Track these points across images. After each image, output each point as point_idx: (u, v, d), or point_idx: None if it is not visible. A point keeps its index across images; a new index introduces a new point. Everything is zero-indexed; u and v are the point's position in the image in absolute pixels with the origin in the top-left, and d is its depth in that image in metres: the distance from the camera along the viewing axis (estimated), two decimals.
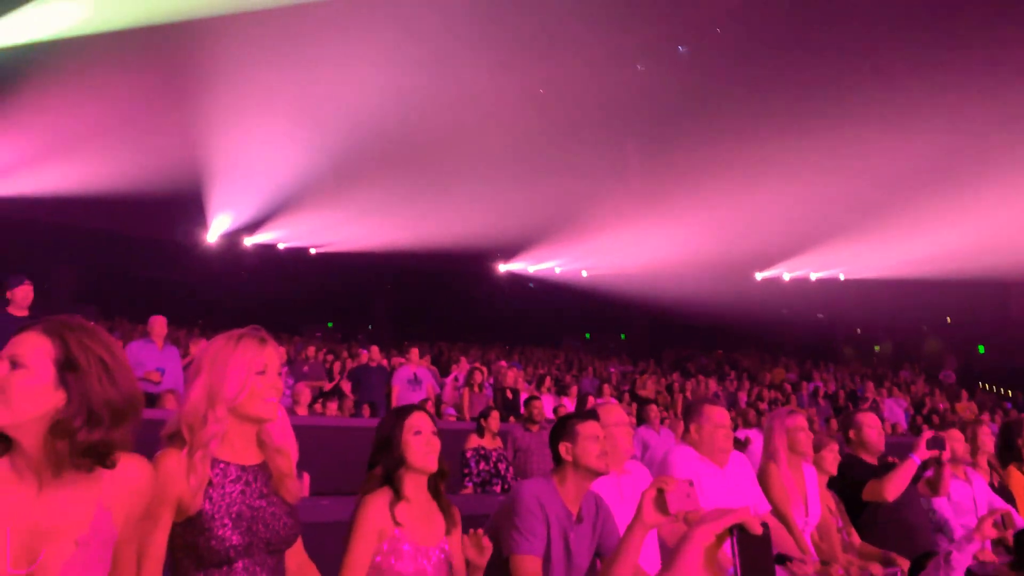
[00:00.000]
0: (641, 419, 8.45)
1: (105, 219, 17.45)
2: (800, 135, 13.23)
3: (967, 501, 4.43)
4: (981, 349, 23.53)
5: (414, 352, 10.51)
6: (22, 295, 6.21)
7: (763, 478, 3.78)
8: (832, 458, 4.06)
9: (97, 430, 1.54)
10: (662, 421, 8.81)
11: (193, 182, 15.58)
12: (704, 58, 13.23)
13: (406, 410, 2.57)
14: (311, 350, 12.48)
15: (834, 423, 11.23)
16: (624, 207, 16.68)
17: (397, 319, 22.81)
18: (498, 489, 6.77)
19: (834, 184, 14.97)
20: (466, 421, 8.88)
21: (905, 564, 3.59)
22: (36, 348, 1.53)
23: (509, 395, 9.81)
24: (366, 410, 9.43)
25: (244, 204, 16.99)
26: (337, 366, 11.51)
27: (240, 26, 11.93)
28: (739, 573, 1.25)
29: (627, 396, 11.62)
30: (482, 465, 6.89)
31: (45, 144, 13.79)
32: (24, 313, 6.15)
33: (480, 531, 2.42)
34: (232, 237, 18.38)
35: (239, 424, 2.00)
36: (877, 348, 26.02)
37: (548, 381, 11.01)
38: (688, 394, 12.70)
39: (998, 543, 3.50)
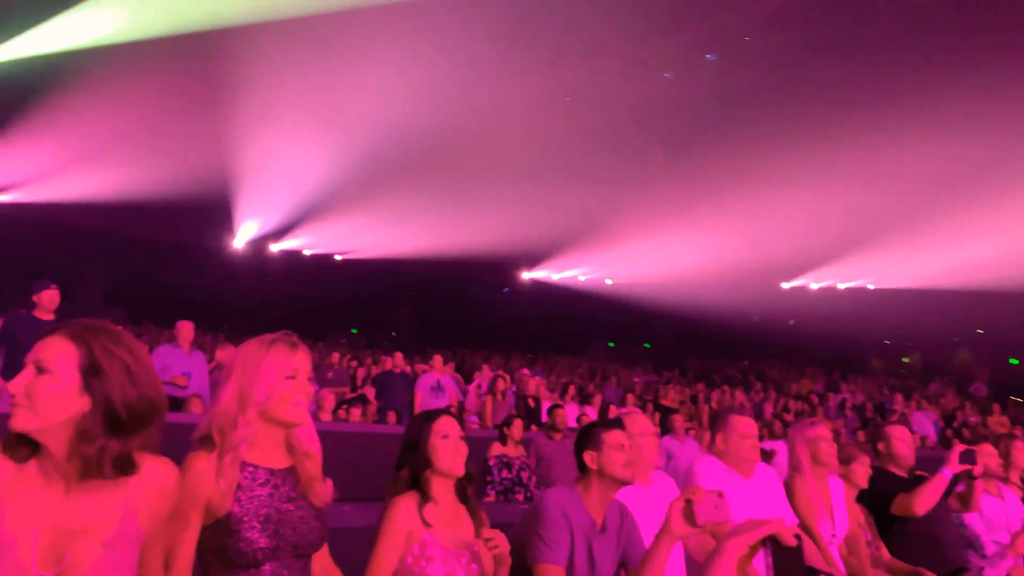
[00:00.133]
0: (665, 429, 8.38)
1: (134, 225, 17.74)
2: (829, 143, 13.07)
3: (999, 517, 4.35)
4: (1014, 361, 23.08)
5: (437, 359, 10.52)
6: (48, 299, 6.26)
7: (788, 490, 3.73)
8: (863, 471, 3.99)
9: (121, 434, 1.56)
10: (687, 431, 8.73)
11: (220, 189, 15.76)
12: (732, 66, 13.11)
13: (434, 414, 2.56)
14: (335, 356, 12.57)
15: (861, 435, 11.08)
16: (650, 215, 16.58)
17: (420, 326, 22.89)
18: (520, 497, 6.74)
19: (863, 193, 14.78)
20: (488, 429, 8.87)
21: None
22: (61, 353, 1.55)
23: (531, 403, 9.78)
24: (391, 416, 9.45)
25: (270, 211, 17.16)
26: (361, 372, 11.56)
27: (268, 34, 12.06)
28: None
29: (650, 406, 11.54)
30: (504, 473, 6.88)
31: (75, 151, 14.04)
32: (50, 316, 6.19)
33: (493, 532, 2.40)
34: (258, 243, 18.57)
35: (268, 428, 2.01)
36: (906, 360, 25.64)
37: (572, 390, 10.97)
38: (713, 404, 12.58)
39: None
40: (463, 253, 17.83)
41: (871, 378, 20.65)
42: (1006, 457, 4.75)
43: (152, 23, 11.98)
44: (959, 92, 12.03)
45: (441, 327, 21.67)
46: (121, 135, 13.57)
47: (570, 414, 8.93)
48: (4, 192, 15.92)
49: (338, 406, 8.99)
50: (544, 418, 9.01)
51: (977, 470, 4.04)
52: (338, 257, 20.13)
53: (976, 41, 11.70)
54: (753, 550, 1.28)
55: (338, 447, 2.22)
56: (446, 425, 2.50)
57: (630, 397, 11.16)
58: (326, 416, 8.11)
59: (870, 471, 4.06)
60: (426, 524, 2.36)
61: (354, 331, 23.57)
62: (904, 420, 8.35)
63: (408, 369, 10.99)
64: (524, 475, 6.91)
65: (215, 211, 16.84)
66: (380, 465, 2.95)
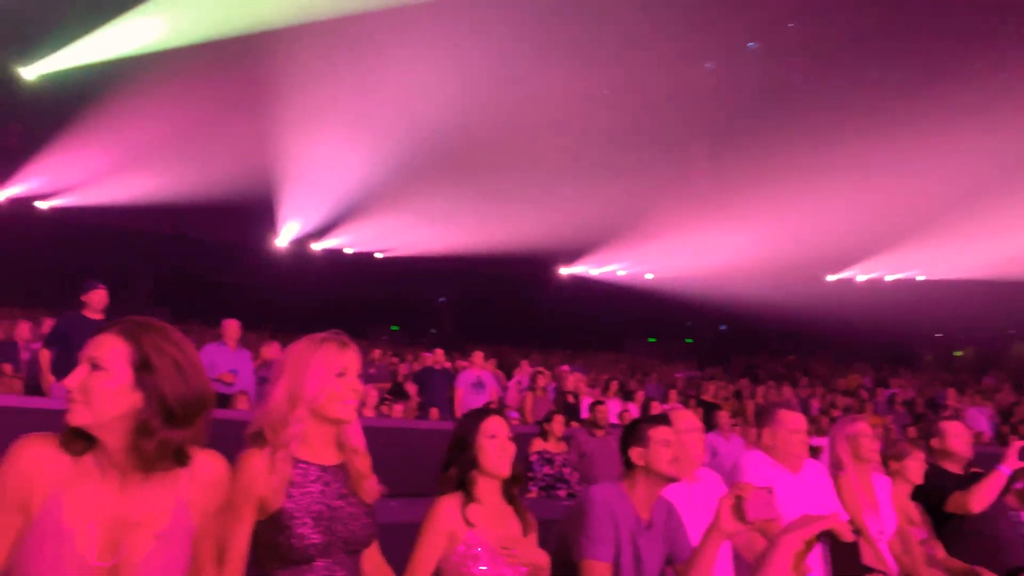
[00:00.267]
0: (710, 425, 8.28)
1: (180, 225, 18.14)
2: (875, 131, 12.79)
3: None
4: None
5: (478, 355, 10.53)
6: (97, 299, 6.41)
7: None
8: (917, 467, 3.91)
9: (175, 427, 1.59)
10: (732, 427, 8.62)
11: (264, 190, 16.03)
12: (775, 54, 12.88)
13: (483, 413, 2.55)
14: (377, 353, 12.67)
15: (912, 431, 10.86)
16: (691, 208, 16.40)
17: (460, 322, 22.98)
18: (563, 494, 6.73)
19: (911, 181, 14.41)
20: (529, 424, 8.86)
21: None
22: (113, 350, 1.58)
23: (571, 399, 9.75)
24: (433, 412, 9.50)
25: (312, 210, 17.40)
26: (403, 369, 11.64)
27: (307, 36, 12.22)
28: None
29: (692, 402, 11.42)
30: (546, 469, 6.88)
31: (123, 155, 14.39)
32: (99, 316, 6.33)
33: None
34: (301, 242, 18.85)
35: (319, 425, 2.04)
36: (958, 353, 24.99)
37: (614, 386, 10.90)
38: (759, 400, 12.42)
39: None
40: (502, 249, 17.85)
41: (921, 373, 20.18)
42: None
43: (195, 30, 12.23)
44: (1011, 78, 11.69)
45: (481, 323, 21.71)
46: (166, 139, 13.88)
47: (612, 410, 8.88)
48: (55, 197, 16.40)
49: (380, 402, 9.08)
50: (584, 414, 8.98)
51: None
52: (378, 255, 20.32)
53: None
54: (809, 546, 1.25)
55: (382, 443, 2.22)
56: (494, 425, 2.48)
57: (672, 393, 11.05)
58: (369, 412, 8.19)
59: (925, 466, 3.97)
60: (468, 524, 2.36)
61: (394, 328, 23.74)
62: (958, 415, 8.16)
63: (449, 365, 11.03)
64: (566, 471, 6.89)
65: (259, 211, 17.14)
66: (423, 461, 2.95)
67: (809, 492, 3.41)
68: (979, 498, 3.79)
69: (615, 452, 3.02)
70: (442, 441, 2.59)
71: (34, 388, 6.85)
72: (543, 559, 2.45)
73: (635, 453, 2.77)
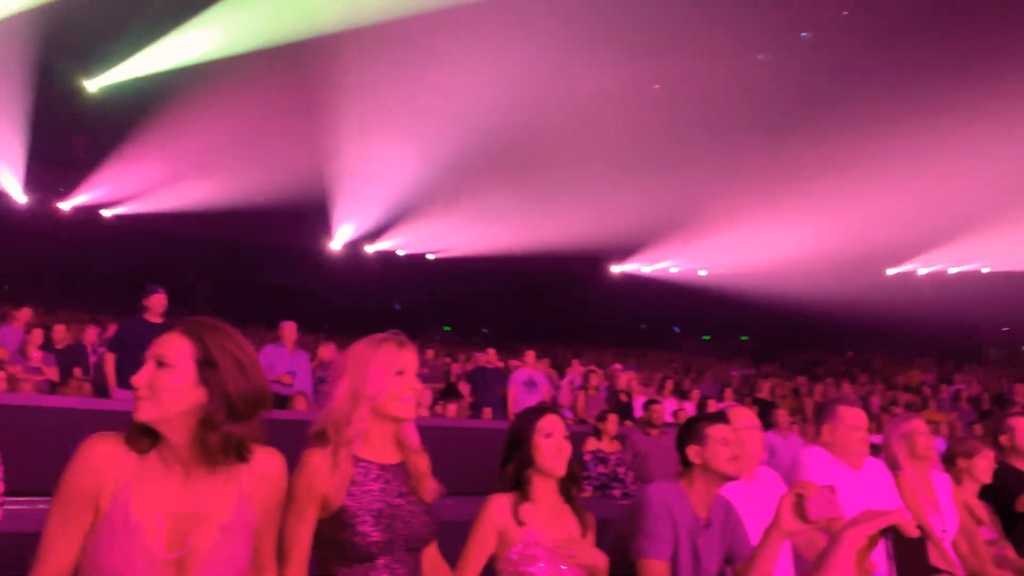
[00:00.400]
0: (767, 423, 8.13)
1: (238, 231, 18.57)
2: (936, 118, 12.34)
3: None
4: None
5: (530, 355, 10.52)
6: (157, 303, 6.61)
7: None
8: (986, 465, 3.78)
9: (237, 422, 1.64)
10: (790, 426, 8.46)
11: (319, 194, 16.30)
12: (829, 43, 12.53)
13: (539, 411, 2.54)
14: (430, 353, 12.78)
15: (978, 428, 10.52)
16: (745, 202, 16.10)
17: (512, 322, 23.02)
18: (617, 493, 6.69)
19: (974, 169, 13.90)
20: (582, 424, 8.82)
21: None
22: (179, 348, 1.63)
23: (623, 398, 9.68)
24: (486, 412, 9.53)
25: (366, 213, 17.64)
26: (455, 368, 11.70)
27: (358, 40, 12.36)
28: None
29: (748, 400, 11.22)
30: (600, 468, 6.84)
31: (182, 163, 14.79)
32: (159, 320, 6.49)
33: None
34: (355, 245, 19.11)
35: (379, 423, 2.08)
36: None
37: (669, 384, 10.79)
38: (817, 397, 12.14)
39: None
40: (553, 248, 17.81)
41: (987, 368, 19.47)
42: None
43: (248, 38, 12.48)
44: None
45: (533, 323, 21.71)
46: (223, 146, 14.20)
47: (667, 409, 8.79)
48: (119, 205, 16.95)
49: (435, 402, 9.16)
50: (637, 413, 8.90)
51: None
52: (430, 256, 20.47)
53: None
54: (872, 542, 1.21)
55: (435, 442, 2.25)
56: (550, 423, 2.47)
57: (728, 391, 10.88)
58: (424, 412, 8.25)
59: (994, 465, 3.84)
60: (519, 523, 2.36)
61: (447, 328, 23.90)
62: None
63: (501, 365, 11.05)
64: (620, 471, 6.85)
65: (314, 216, 17.45)
66: (476, 460, 2.96)
67: (871, 490, 3.33)
68: None
69: (669, 451, 2.98)
70: (495, 440, 2.59)
71: (102, 391, 7.08)
72: (601, 560, 2.43)
73: (692, 451, 2.73)
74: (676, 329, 24.45)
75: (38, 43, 12.15)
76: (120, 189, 16.11)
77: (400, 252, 19.97)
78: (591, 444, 6.96)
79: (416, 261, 20.42)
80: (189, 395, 1.61)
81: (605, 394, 9.92)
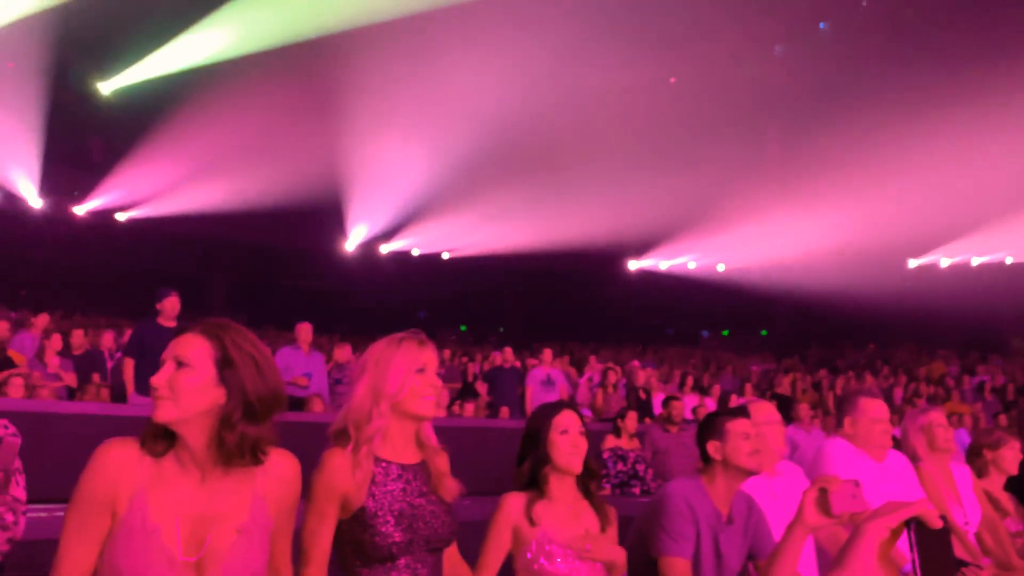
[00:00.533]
0: (789, 418, 8.06)
1: (253, 232, 18.65)
2: (956, 108, 12.18)
3: None
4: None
5: (547, 353, 10.49)
6: (170, 306, 6.60)
7: None
8: (1013, 457, 3.75)
9: (254, 423, 1.64)
10: (812, 420, 8.38)
11: (332, 195, 16.33)
12: (848, 35, 12.39)
13: (555, 407, 2.54)
14: (446, 353, 12.78)
15: (1003, 419, 10.42)
16: (763, 196, 15.96)
17: (529, 320, 22.97)
18: (637, 491, 6.65)
19: (996, 159, 13.71)
20: (601, 421, 8.78)
21: None
22: (197, 348, 1.63)
23: (642, 395, 9.63)
24: (504, 411, 9.52)
25: (379, 213, 17.65)
26: (472, 368, 11.69)
27: (369, 39, 12.36)
28: (918, 569, 1.12)
29: (768, 395, 11.13)
30: (620, 466, 6.81)
31: (196, 165, 14.85)
32: (172, 323, 6.49)
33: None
34: (369, 245, 19.13)
35: (400, 423, 2.08)
36: None
37: (690, 380, 10.73)
38: (838, 391, 12.04)
39: None
40: (569, 245, 17.75)
41: (1012, 359, 19.19)
42: None
43: (260, 37, 12.52)
44: None
45: (549, 321, 21.66)
46: (236, 148, 14.25)
47: (687, 405, 8.74)
48: (133, 208, 17.05)
49: (452, 402, 9.15)
50: (656, 410, 8.85)
51: None
52: (445, 255, 20.47)
53: None
54: (895, 534, 1.17)
55: (454, 442, 2.24)
56: (566, 419, 2.46)
57: (748, 386, 10.81)
58: (441, 412, 8.24)
59: (1021, 456, 3.78)
60: (532, 522, 2.36)
61: (463, 328, 23.89)
62: None
63: (518, 364, 11.02)
64: (640, 468, 6.80)
65: (328, 216, 17.47)
66: (494, 459, 2.94)
67: (894, 482, 3.29)
68: None
69: (689, 448, 2.95)
70: (512, 440, 2.58)
71: (120, 396, 7.11)
72: (620, 555, 2.41)
73: (713, 447, 2.70)
74: (704, 334, 24.29)
75: (52, 46, 12.25)
76: (135, 192, 16.21)
77: (415, 252, 19.97)
78: (610, 442, 6.93)
79: (431, 260, 20.41)
80: (209, 395, 1.62)
81: (624, 391, 9.88)
